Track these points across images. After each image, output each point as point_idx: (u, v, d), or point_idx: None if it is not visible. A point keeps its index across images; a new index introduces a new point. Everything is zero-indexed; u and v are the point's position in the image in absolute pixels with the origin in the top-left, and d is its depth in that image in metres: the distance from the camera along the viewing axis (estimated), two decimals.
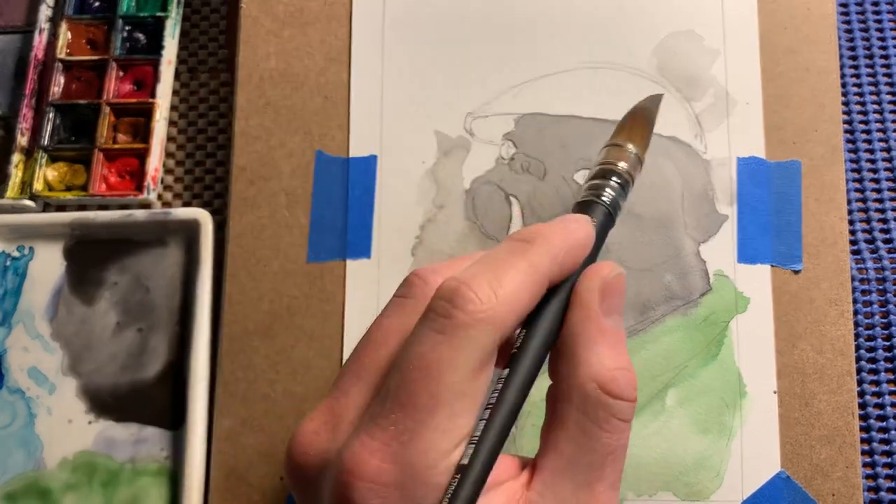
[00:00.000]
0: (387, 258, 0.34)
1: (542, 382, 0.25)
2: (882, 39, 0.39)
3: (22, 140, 0.38)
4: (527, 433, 0.33)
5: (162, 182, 0.38)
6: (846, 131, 0.37)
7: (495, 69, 0.36)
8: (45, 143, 0.38)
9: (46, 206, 0.38)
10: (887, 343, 0.35)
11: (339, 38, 0.37)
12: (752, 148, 0.35)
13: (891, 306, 0.35)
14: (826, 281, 0.34)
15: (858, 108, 0.38)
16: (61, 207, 0.38)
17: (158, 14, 0.39)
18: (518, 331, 0.25)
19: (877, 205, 0.37)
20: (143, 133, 0.38)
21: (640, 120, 0.30)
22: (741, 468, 0.32)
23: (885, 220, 0.37)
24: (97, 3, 0.40)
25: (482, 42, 0.36)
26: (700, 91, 0.35)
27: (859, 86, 0.38)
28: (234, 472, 0.33)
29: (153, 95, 0.38)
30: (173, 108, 0.39)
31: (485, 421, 0.22)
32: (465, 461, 0.22)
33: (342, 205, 0.35)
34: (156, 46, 0.39)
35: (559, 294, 0.25)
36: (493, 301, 0.22)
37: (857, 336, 0.35)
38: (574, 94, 0.35)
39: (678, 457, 0.32)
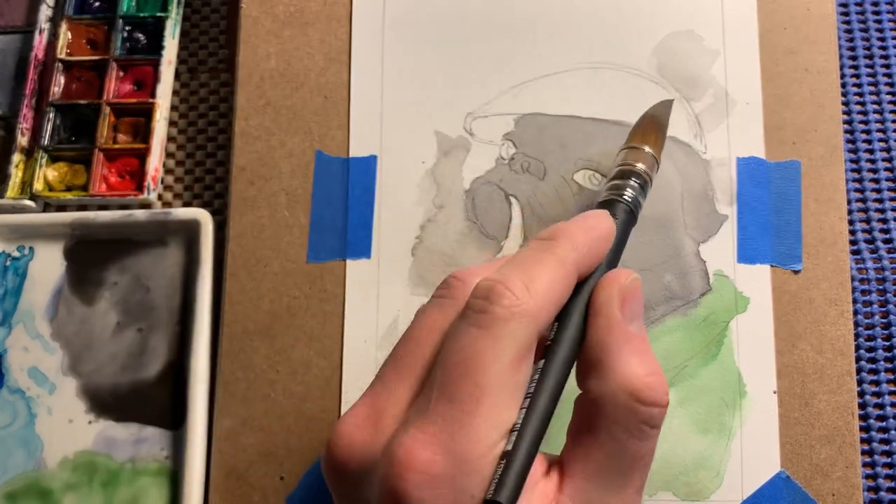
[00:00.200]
0: (387, 258, 0.34)
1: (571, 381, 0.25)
2: (882, 40, 0.39)
3: (22, 140, 0.38)
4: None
5: (162, 182, 0.38)
6: (846, 131, 0.37)
7: (495, 69, 0.36)
8: (46, 143, 0.38)
9: (47, 206, 0.38)
10: (887, 343, 0.35)
11: (339, 38, 0.37)
12: (752, 148, 0.35)
13: (891, 306, 0.35)
14: (826, 281, 0.34)
15: (858, 108, 0.38)
16: (61, 207, 0.38)
17: (158, 14, 0.39)
18: (553, 325, 0.25)
19: (876, 205, 0.37)
20: (143, 133, 0.38)
21: (653, 123, 0.32)
22: (741, 468, 0.32)
23: (884, 220, 0.37)
24: (97, 4, 0.40)
25: (482, 42, 0.36)
26: (700, 91, 0.35)
27: (859, 86, 0.38)
28: (234, 472, 0.33)
29: (153, 95, 0.38)
30: (173, 108, 0.39)
31: (525, 410, 0.23)
32: (509, 447, 0.22)
33: (342, 205, 0.35)
34: (156, 46, 0.39)
35: (589, 284, 0.26)
36: (526, 296, 0.23)
37: (856, 336, 0.35)
38: (574, 94, 0.36)
39: (678, 457, 0.32)
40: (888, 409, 0.34)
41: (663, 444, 0.32)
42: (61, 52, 0.39)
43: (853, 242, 0.36)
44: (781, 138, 0.35)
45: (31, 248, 0.37)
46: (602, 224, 0.27)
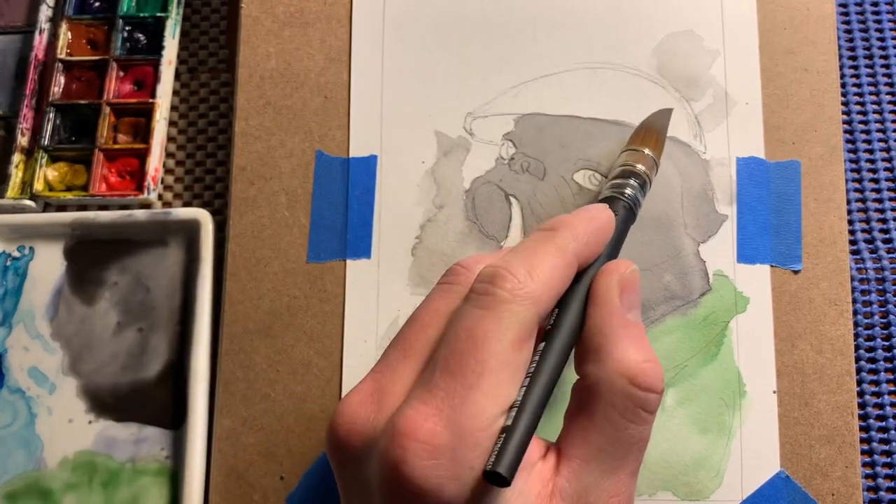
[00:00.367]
0: (387, 258, 0.34)
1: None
2: (882, 40, 0.39)
3: (22, 140, 0.38)
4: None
5: (162, 182, 0.38)
6: (845, 131, 0.37)
7: (495, 69, 0.36)
8: (46, 143, 0.38)
9: (47, 206, 0.38)
10: (886, 343, 0.35)
11: (339, 38, 0.37)
12: (752, 148, 0.35)
13: (890, 306, 0.35)
14: (825, 281, 0.34)
15: (858, 108, 0.38)
16: (62, 207, 0.38)
17: (159, 14, 0.39)
18: (553, 312, 0.26)
19: (876, 205, 0.37)
20: (143, 133, 0.38)
21: (653, 128, 0.32)
22: (741, 468, 0.32)
23: (884, 220, 0.37)
24: (97, 4, 0.40)
25: (482, 42, 0.36)
26: (699, 91, 0.35)
27: (859, 86, 0.38)
28: (234, 472, 0.33)
29: (153, 95, 0.38)
30: (173, 108, 0.39)
31: (525, 388, 0.24)
32: (509, 423, 0.23)
33: (342, 205, 0.35)
34: (156, 47, 0.39)
35: (588, 274, 0.27)
36: (528, 280, 0.24)
37: (856, 336, 0.35)
38: (574, 94, 0.36)
39: (678, 456, 0.32)
40: (888, 408, 0.34)
41: (663, 444, 0.32)
42: (61, 52, 0.39)
43: (853, 242, 0.36)
44: (781, 138, 0.35)
45: (31, 248, 0.37)
46: (602, 216, 0.28)
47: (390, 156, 0.35)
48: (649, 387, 0.24)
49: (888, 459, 0.34)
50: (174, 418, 0.35)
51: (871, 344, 0.35)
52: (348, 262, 0.34)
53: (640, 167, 0.31)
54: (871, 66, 0.38)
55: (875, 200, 0.37)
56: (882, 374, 0.35)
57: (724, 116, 0.35)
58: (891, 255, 0.36)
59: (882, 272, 0.36)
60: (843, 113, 0.38)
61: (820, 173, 0.35)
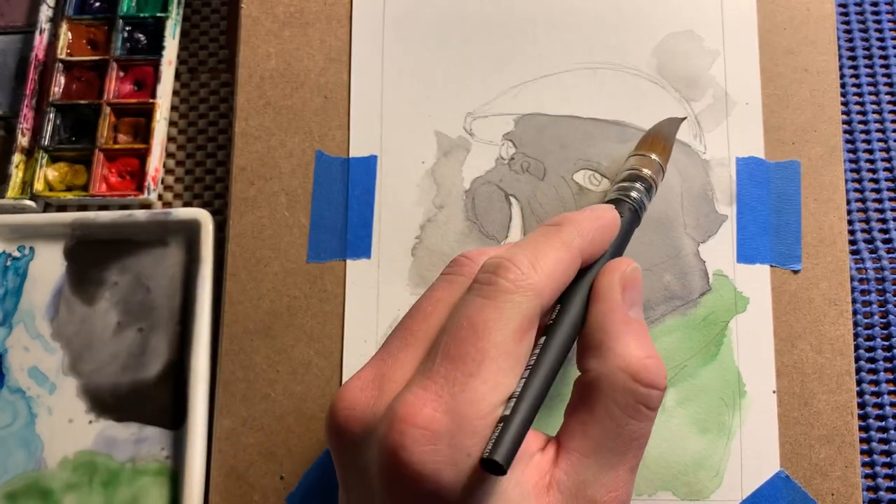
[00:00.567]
0: (387, 258, 0.34)
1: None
2: (881, 40, 0.39)
3: (23, 140, 0.38)
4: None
5: (162, 182, 0.38)
6: (845, 132, 0.37)
7: (495, 69, 0.36)
8: (46, 143, 0.38)
9: (47, 207, 0.38)
10: (886, 343, 0.35)
11: (339, 38, 0.37)
12: (752, 148, 0.35)
13: (890, 306, 0.35)
14: (825, 281, 0.34)
15: (857, 108, 0.38)
16: (62, 207, 0.38)
17: (159, 14, 0.39)
18: (555, 307, 0.26)
19: (876, 205, 0.37)
20: (143, 133, 0.38)
21: (661, 134, 0.33)
22: (740, 468, 0.32)
23: (884, 220, 0.37)
24: (97, 4, 0.40)
25: (482, 42, 0.36)
26: (699, 91, 0.35)
27: (858, 86, 0.38)
28: (234, 472, 0.33)
29: (153, 96, 0.38)
30: (174, 108, 0.39)
31: (524, 380, 0.24)
32: (508, 412, 0.23)
33: (342, 205, 0.35)
34: (156, 47, 0.39)
35: (591, 272, 0.27)
36: (531, 272, 0.24)
37: (856, 336, 0.35)
38: (573, 94, 0.36)
39: (678, 456, 0.32)
40: (887, 408, 0.34)
41: (663, 444, 0.32)
42: (62, 53, 0.39)
43: (852, 242, 0.36)
44: (781, 138, 0.35)
45: (31, 248, 0.37)
46: (607, 216, 0.28)
47: (390, 156, 0.35)
48: (651, 383, 0.24)
49: (888, 459, 0.34)
50: (174, 418, 0.35)
51: (871, 344, 0.35)
52: (348, 262, 0.34)
53: (646, 171, 0.31)
54: (871, 66, 0.39)
55: (875, 200, 0.37)
56: (882, 373, 0.35)
57: (724, 116, 0.35)
58: (890, 255, 0.36)
59: (882, 272, 0.36)
60: (843, 113, 0.38)
61: (820, 173, 0.35)
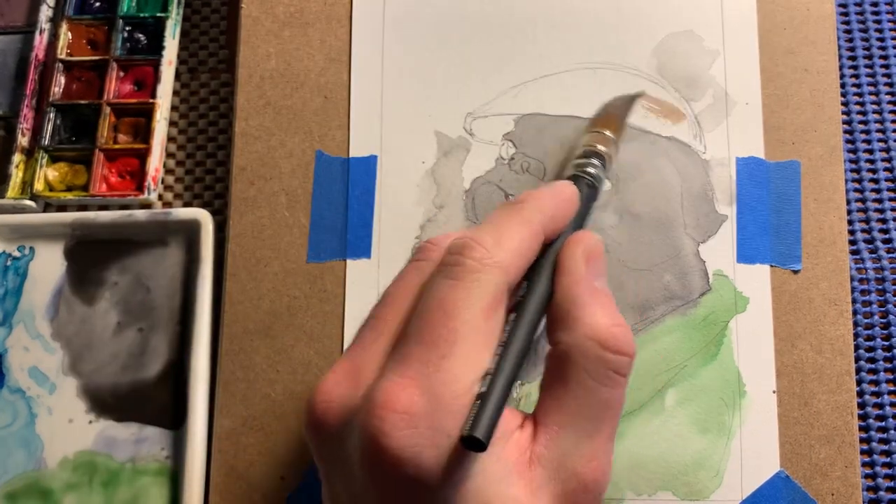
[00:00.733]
0: (387, 258, 0.34)
1: None
2: (881, 40, 0.39)
3: (23, 140, 0.38)
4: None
5: (162, 182, 0.38)
6: (845, 132, 0.37)
7: (495, 69, 0.36)
8: (46, 143, 0.38)
9: (47, 207, 0.38)
10: (886, 343, 0.35)
11: (339, 38, 0.37)
12: (752, 148, 0.35)
13: (890, 306, 0.35)
14: (825, 281, 0.34)
15: (857, 108, 0.38)
16: (62, 207, 0.38)
17: (159, 14, 0.39)
18: (522, 283, 0.27)
19: (876, 205, 0.37)
20: (143, 133, 0.38)
21: (614, 111, 0.33)
22: (740, 468, 0.32)
23: (884, 220, 0.37)
24: (98, 4, 0.40)
25: (482, 42, 0.36)
26: (699, 91, 0.35)
27: (858, 86, 0.38)
28: (234, 472, 0.33)
29: (154, 96, 0.38)
30: (174, 108, 0.39)
31: (497, 356, 0.24)
32: (483, 389, 0.23)
33: (342, 205, 0.35)
34: (156, 47, 0.39)
35: (555, 246, 0.27)
36: (497, 249, 0.25)
37: (856, 336, 0.35)
38: (574, 94, 0.36)
39: (678, 456, 0.32)
40: (887, 408, 0.34)
41: (663, 444, 0.32)
42: (62, 53, 0.39)
43: (852, 242, 0.36)
44: (781, 138, 0.35)
45: (31, 248, 0.37)
46: (567, 191, 0.29)
47: (390, 156, 0.35)
48: (619, 349, 0.25)
49: (888, 459, 0.34)
50: (174, 418, 0.35)
51: (871, 344, 0.35)
52: (348, 262, 0.34)
53: (601, 148, 0.31)
54: (871, 67, 0.39)
55: (875, 200, 0.37)
56: (882, 373, 0.35)
57: (724, 116, 0.35)
58: (890, 255, 0.36)
59: (882, 272, 0.36)
60: (843, 113, 0.38)
61: (820, 173, 0.35)
